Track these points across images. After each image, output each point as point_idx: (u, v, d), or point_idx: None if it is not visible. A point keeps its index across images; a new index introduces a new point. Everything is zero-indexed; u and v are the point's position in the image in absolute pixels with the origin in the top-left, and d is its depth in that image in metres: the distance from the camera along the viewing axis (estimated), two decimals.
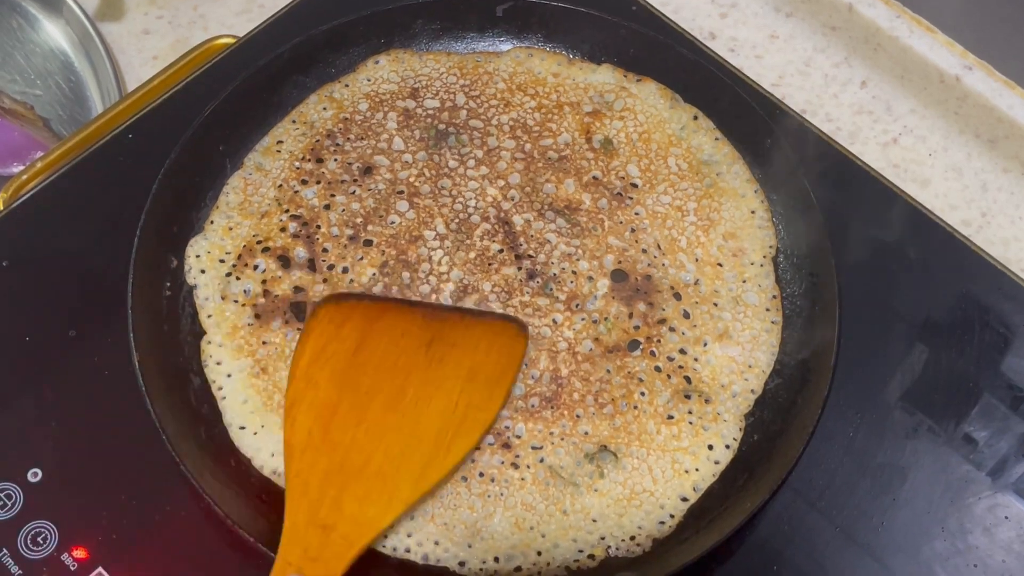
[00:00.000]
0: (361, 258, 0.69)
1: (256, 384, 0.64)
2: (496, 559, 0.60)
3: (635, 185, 0.73)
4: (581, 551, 0.61)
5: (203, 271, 0.68)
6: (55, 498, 0.63)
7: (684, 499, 0.62)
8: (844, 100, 0.89)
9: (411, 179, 0.72)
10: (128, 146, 0.74)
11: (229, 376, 0.65)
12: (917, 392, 0.70)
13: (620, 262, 0.70)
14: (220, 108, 0.72)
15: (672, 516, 0.62)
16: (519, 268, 0.69)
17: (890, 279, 0.74)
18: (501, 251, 0.70)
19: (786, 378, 0.67)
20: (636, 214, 0.72)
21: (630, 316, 0.68)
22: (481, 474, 0.62)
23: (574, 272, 0.69)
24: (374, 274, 0.68)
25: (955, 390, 0.71)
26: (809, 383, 0.65)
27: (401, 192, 0.71)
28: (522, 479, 0.62)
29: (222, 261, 0.68)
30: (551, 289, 0.68)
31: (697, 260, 0.70)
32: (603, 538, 0.61)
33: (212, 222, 0.70)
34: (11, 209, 0.72)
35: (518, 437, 0.63)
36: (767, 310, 0.69)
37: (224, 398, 0.64)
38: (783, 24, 0.93)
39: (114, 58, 0.88)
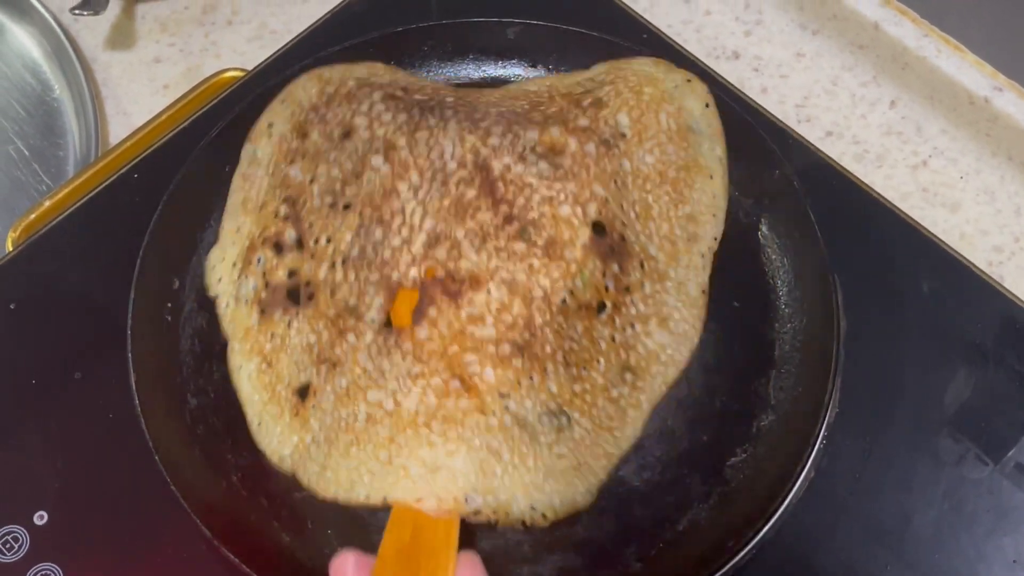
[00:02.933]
0: (341, 224, 0.66)
1: (263, 379, 0.64)
2: (455, 499, 0.58)
3: (624, 135, 0.69)
4: (534, 508, 0.59)
5: (219, 279, 0.68)
6: (60, 541, 0.63)
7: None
8: (872, 121, 0.86)
9: (387, 135, 0.68)
10: (134, 185, 0.75)
11: (248, 378, 0.65)
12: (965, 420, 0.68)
13: (601, 213, 0.65)
14: (225, 131, 0.72)
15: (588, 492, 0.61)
16: (495, 213, 0.64)
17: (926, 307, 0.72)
18: (477, 197, 0.65)
19: (780, 415, 0.65)
20: (622, 166, 0.68)
21: (603, 275, 0.64)
22: (445, 417, 0.59)
23: (554, 217, 0.65)
24: (351, 239, 0.65)
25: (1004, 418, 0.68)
26: (799, 425, 0.64)
27: (377, 149, 0.67)
28: (489, 424, 0.60)
29: (234, 265, 0.68)
30: (529, 234, 0.64)
31: (663, 235, 0.67)
32: (552, 499, 0.60)
33: (223, 228, 0.70)
34: (19, 251, 0.73)
35: (486, 381, 0.60)
36: (697, 306, 0.66)
37: (244, 402, 0.64)
38: (809, 42, 0.90)
39: (87, 67, 0.87)
